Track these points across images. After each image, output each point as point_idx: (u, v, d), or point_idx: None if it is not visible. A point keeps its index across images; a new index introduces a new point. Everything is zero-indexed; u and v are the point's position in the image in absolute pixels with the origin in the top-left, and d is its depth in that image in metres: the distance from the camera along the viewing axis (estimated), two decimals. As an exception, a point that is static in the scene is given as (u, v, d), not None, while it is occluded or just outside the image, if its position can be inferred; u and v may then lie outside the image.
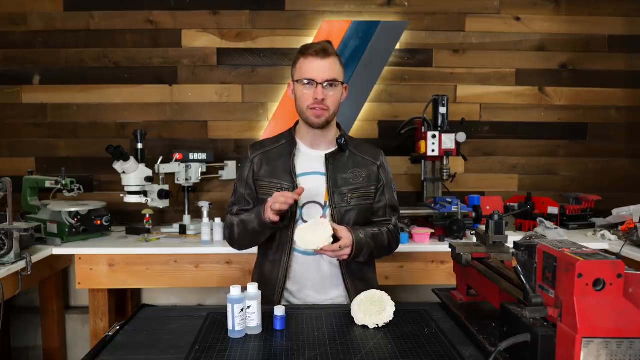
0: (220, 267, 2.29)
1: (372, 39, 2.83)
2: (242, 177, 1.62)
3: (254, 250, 1.68)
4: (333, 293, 1.58)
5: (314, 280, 1.56)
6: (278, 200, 1.38)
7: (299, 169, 1.56)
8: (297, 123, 1.64)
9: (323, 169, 1.56)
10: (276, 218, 1.41)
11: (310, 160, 1.58)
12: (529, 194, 2.69)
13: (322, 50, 1.47)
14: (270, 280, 1.56)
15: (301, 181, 1.55)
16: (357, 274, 1.59)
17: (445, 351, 1.10)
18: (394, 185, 1.67)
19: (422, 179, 2.73)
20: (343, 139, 1.57)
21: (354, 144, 1.63)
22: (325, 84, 1.48)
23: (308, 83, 1.48)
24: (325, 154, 1.57)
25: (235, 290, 1.19)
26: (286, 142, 1.61)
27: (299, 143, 1.60)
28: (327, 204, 1.54)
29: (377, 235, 1.53)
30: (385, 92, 2.89)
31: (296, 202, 1.51)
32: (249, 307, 1.19)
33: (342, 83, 1.54)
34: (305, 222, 1.53)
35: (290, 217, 1.51)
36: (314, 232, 1.37)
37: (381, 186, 1.62)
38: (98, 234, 2.45)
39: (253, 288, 1.22)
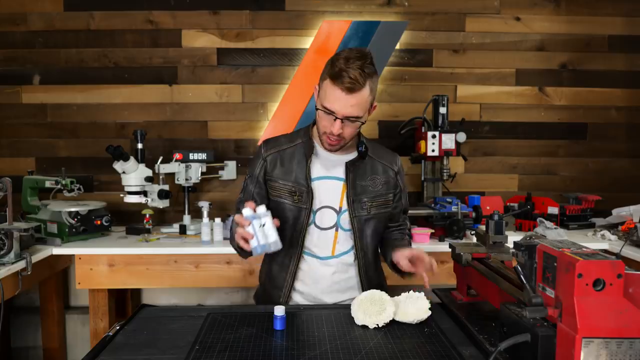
0: (220, 267, 2.29)
1: (372, 39, 2.83)
2: (252, 174, 1.55)
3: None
4: (347, 295, 1.56)
5: (328, 284, 1.53)
6: (242, 235, 1.29)
7: (315, 173, 1.51)
8: (314, 122, 1.56)
9: (341, 174, 1.52)
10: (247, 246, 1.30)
11: (328, 165, 1.53)
12: (529, 194, 2.69)
13: (350, 88, 1.33)
14: (277, 282, 1.54)
15: (316, 185, 1.51)
16: (374, 280, 1.59)
17: (445, 351, 1.10)
18: (406, 189, 1.67)
19: (422, 179, 2.73)
20: (364, 146, 1.52)
21: (371, 148, 1.58)
22: (344, 119, 1.39)
23: (328, 113, 1.39)
24: (346, 162, 1.52)
25: (247, 211, 1.27)
26: (302, 143, 1.54)
27: (316, 146, 1.54)
28: (342, 209, 1.52)
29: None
30: (385, 92, 2.89)
31: (311, 206, 1.49)
32: (263, 225, 1.26)
33: (371, 105, 1.43)
34: (317, 227, 1.51)
35: (303, 221, 1.49)
36: (412, 304, 1.28)
37: (398, 192, 1.61)
38: (98, 234, 2.45)
39: (262, 208, 1.28)
